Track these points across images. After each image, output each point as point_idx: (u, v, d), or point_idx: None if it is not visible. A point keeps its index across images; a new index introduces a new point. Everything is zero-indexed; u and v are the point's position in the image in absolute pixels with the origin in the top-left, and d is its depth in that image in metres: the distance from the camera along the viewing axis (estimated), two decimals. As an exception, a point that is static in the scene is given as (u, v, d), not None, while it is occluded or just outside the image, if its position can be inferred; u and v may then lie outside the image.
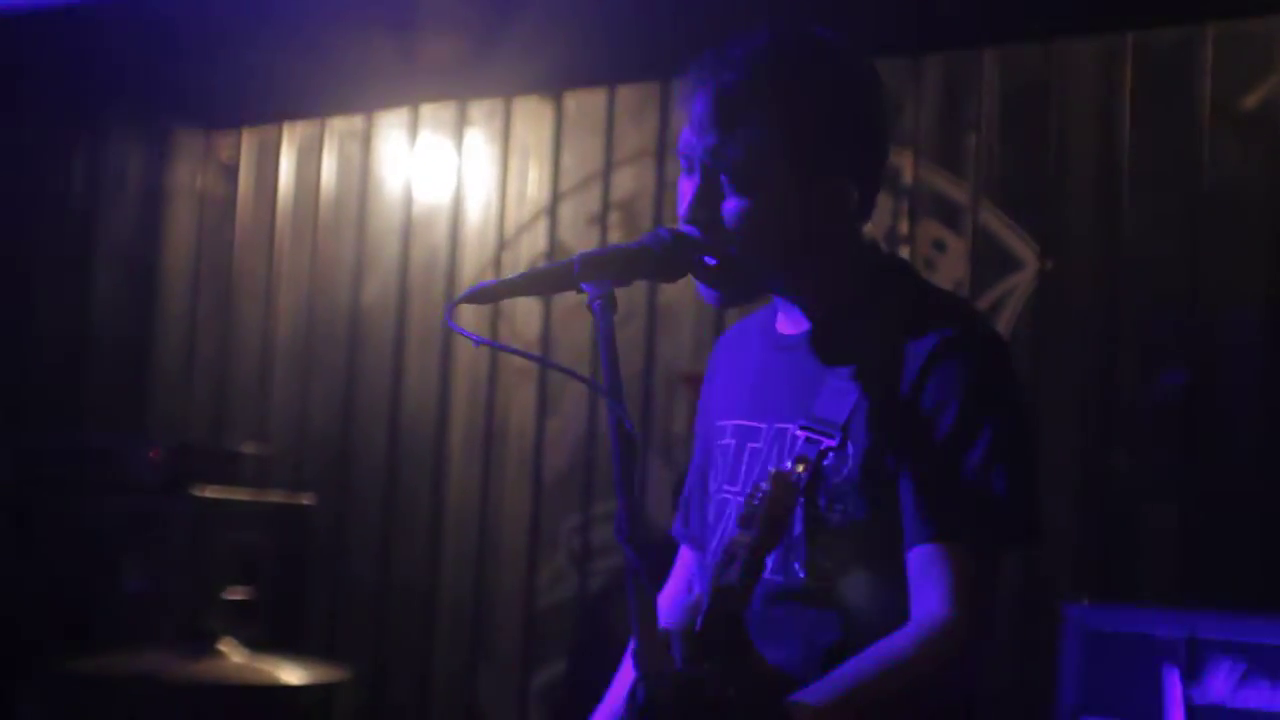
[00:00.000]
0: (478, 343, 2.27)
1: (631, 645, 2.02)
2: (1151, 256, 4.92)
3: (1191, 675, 3.55)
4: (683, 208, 2.42)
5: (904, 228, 5.33)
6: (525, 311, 6.13)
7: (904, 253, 5.25)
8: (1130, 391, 4.89)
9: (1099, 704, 3.84)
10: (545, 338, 6.06)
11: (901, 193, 5.35)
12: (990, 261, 5.20)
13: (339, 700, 5.88)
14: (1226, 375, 4.73)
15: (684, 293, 5.68)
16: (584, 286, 2.29)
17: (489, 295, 2.37)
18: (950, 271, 5.23)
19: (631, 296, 5.91)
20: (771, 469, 2.24)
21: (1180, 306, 4.83)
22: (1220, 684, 3.68)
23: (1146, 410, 4.85)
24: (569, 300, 5.62)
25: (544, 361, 2.15)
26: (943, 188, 5.33)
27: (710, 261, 2.39)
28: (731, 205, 2.38)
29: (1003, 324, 5.08)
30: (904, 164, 5.33)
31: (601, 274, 2.29)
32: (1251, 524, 4.64)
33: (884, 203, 5.32)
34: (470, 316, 6.07)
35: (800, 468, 2.22)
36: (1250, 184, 4.80)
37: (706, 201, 2.39)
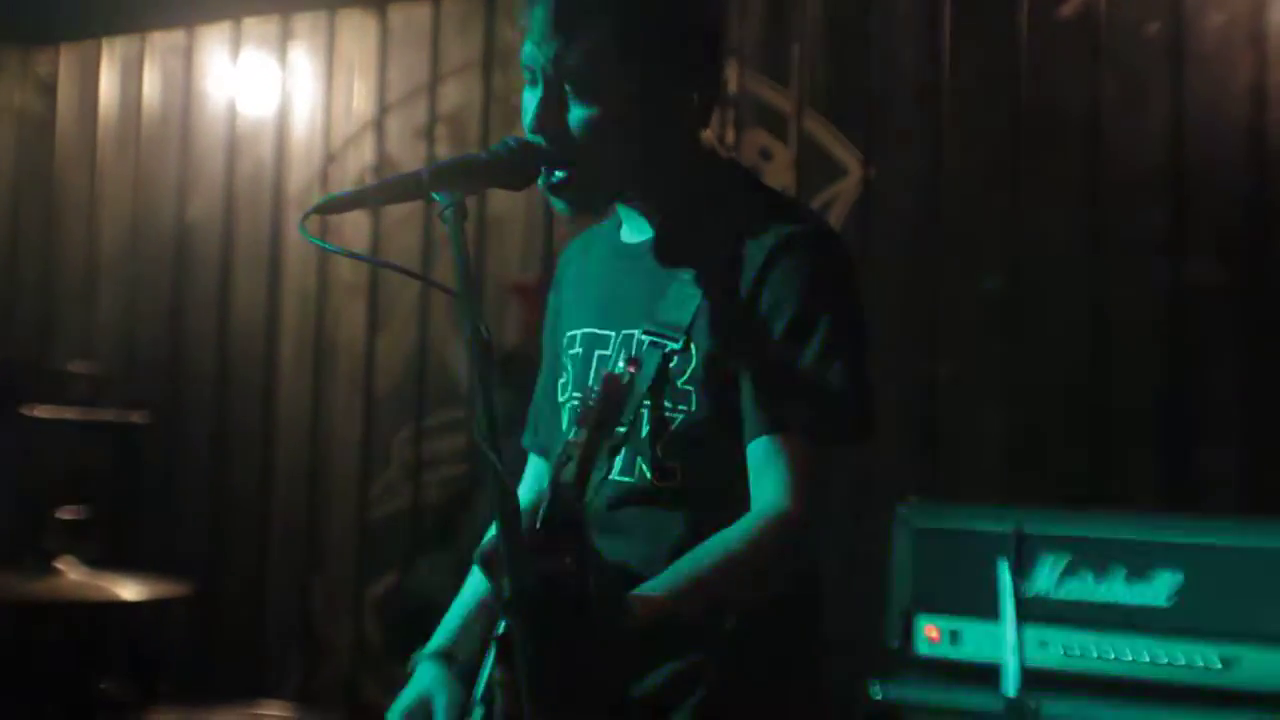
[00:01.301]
0: (333, 252, 2.30)
1: (485, 547, 2.07)
2: (972, 162, 5.02)
3: (1019, 570, 3.65)
4: (528, 119, 2.45)
5: (729, 136, 5.38)
6: (353, 222, 6.11)
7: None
8: (953, 296, 5.00)
9: (930, 600, 3.94)
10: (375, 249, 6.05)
11: (727, 102, 5.40)
12: (815, 169, 5.28)
13: (176, 616, 5.90)
14: (1045, 278, 4.85)
15: (512, 204, 5.76)
16: (434, 196, 2.31)
17: (339, 205, 2.40)
18: (776, 179, 5.30)
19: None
20: (606, 371, 2.30)
21: (1000, 212, 4.94)
22: (1046, 576, 3.81)
23: (969, 314, 4.96)
24: (397, 211, 5.65)
25: (403, 270, 2.17)
26: (767, 97, 5.40)
27: (557, 171, 2.43)
28: (575, 114, 2.41)
29: (828, 230, 5.15)
30: (729, 74, 5.38)
31: (452, 183, 2.31)
32: (1073, 422, 4.78)
33: (709, 112, 5.41)
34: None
35: (631, 369, 2.26)
36: (1066, 89, 4.91)
37: (550, 112, 2.42)
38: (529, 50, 2.43)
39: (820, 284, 2.41)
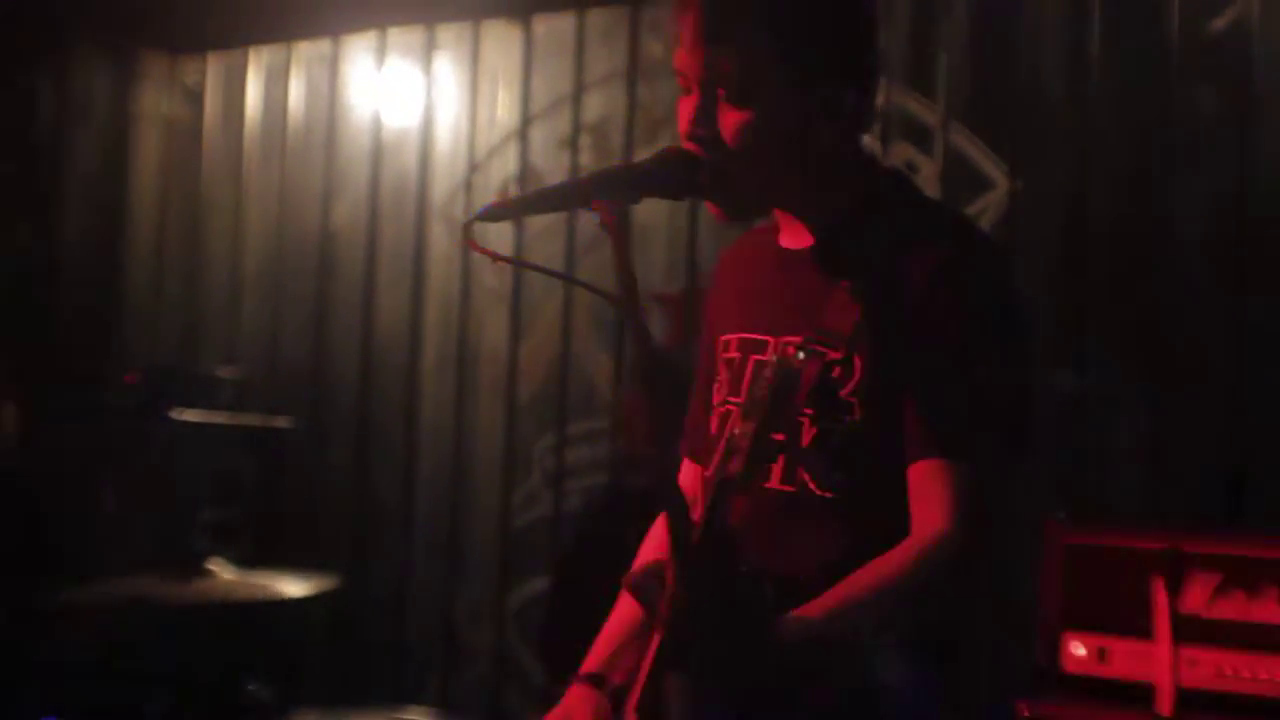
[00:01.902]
0: (496, 259, 2.31)
1: (634, 574, 2.07)
2: (1120, 175, 4.97)
3: (1173, 588, 3.61)
4: (683, 126, 2.44)
5: (875, 150, 5.34)
6: (498, 232, 6.12)
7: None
8: (1100, 309, 4.94)
9: (1079, 618, 3.90)
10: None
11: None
12: (961, 182, 5.24)
13: (318, 619, 5.94)
14: (1194, 290, 4.79)
15: (657, 214, 5.75)
16: (595, 203, 2.32)
17: (502, 213, 2.41)
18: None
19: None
20: (774, 357, 2.28)
21: (1147, 224, 4.88)
22: (1198, 595, 3.75)
23: (1116, 327, 4.91)
24: (539, 221, 5.67)
25: (566, 277, 2.16)
26: (913, 109, 5.37)
27: (713, 178, 2.42)
28: (730, 119, 2.40)
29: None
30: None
31: (612, 192, 2.32)
32: (1221, 438, 4.71)
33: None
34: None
35: (802, 355, 2.24)
36: (1215, 101, 4.85)
37: (705, 118, 2.41)
38: (681, 57, 2.43)
39: (987, 304, 2.39)
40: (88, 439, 5.67)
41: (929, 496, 2.33)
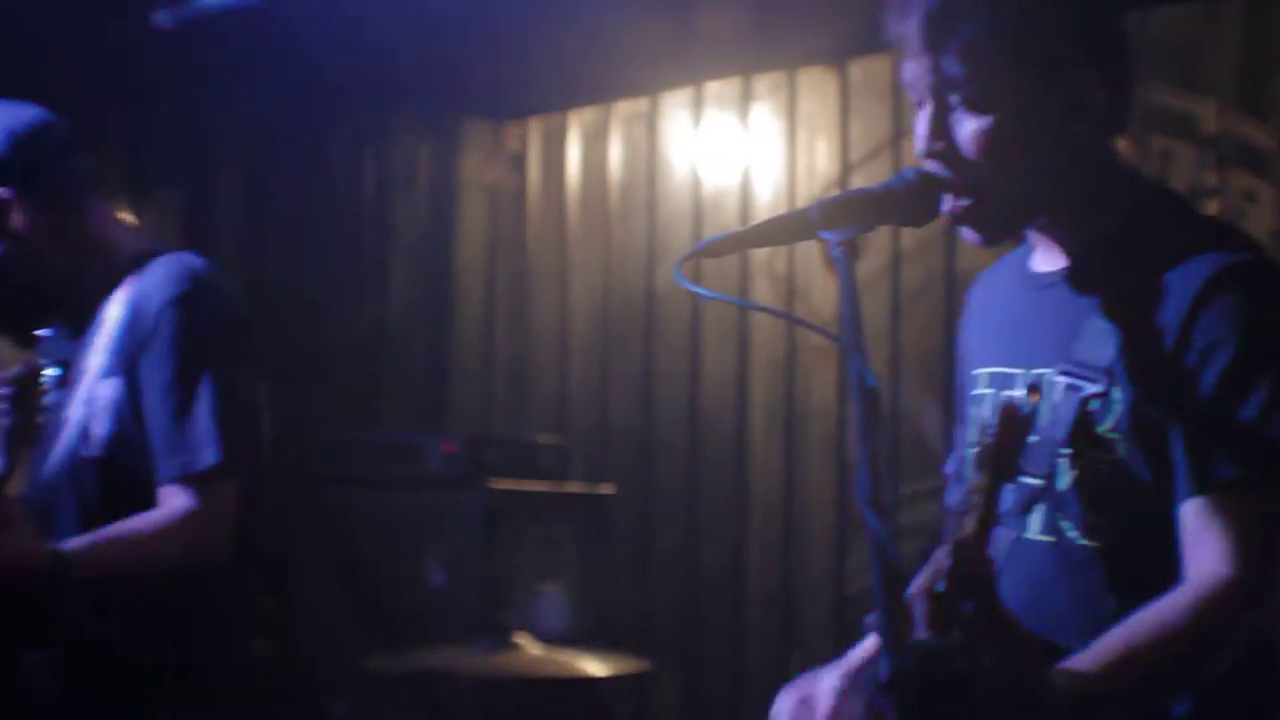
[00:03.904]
0: (708, 298, 2.14)
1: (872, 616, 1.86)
2: None
3: None
4: (919, 144, 2.24)
5: (1211, 179, 5.03)
6: (821, 288, 5.96)
7: (1212, 207, 4.96)
8: None
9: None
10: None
11: (1206, 143, 5.05)
12: (1305, 211, 4.90)
13: (647, 692, 5.80)
14: None
15: (985, 260, 5.50)
16: (823, 234, 2.12)
17: (723, 248, 2.26)
18: (1263, 222, 4.92)
19: (929, 265, 5.74)
20: (1001, 403, 2.05)
21: None
22: None
23: None
24: (867, 271, 5.47)
25: (786, 316, 2.02)
26: (1249, 135, 5.02)
27: (957, 197, 2.20)
28: (968, 128, 2.19)
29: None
30: (1207, 113, 5.04)
31: (842, 220, 2.13)
32: None
33: (1188, 154, 5.06)
34: (767, 294, 5.98)
35: (1034, 398, 2.02)
36: None
37: (941, 130, 2.21)
38: (909, 70, 2.22)
39: (1262, 325, 2.11)
40: (409, 509, 5.63)
41: (1206, 538, 2.08)
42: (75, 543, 2.86)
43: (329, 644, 5.45)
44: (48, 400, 2.92)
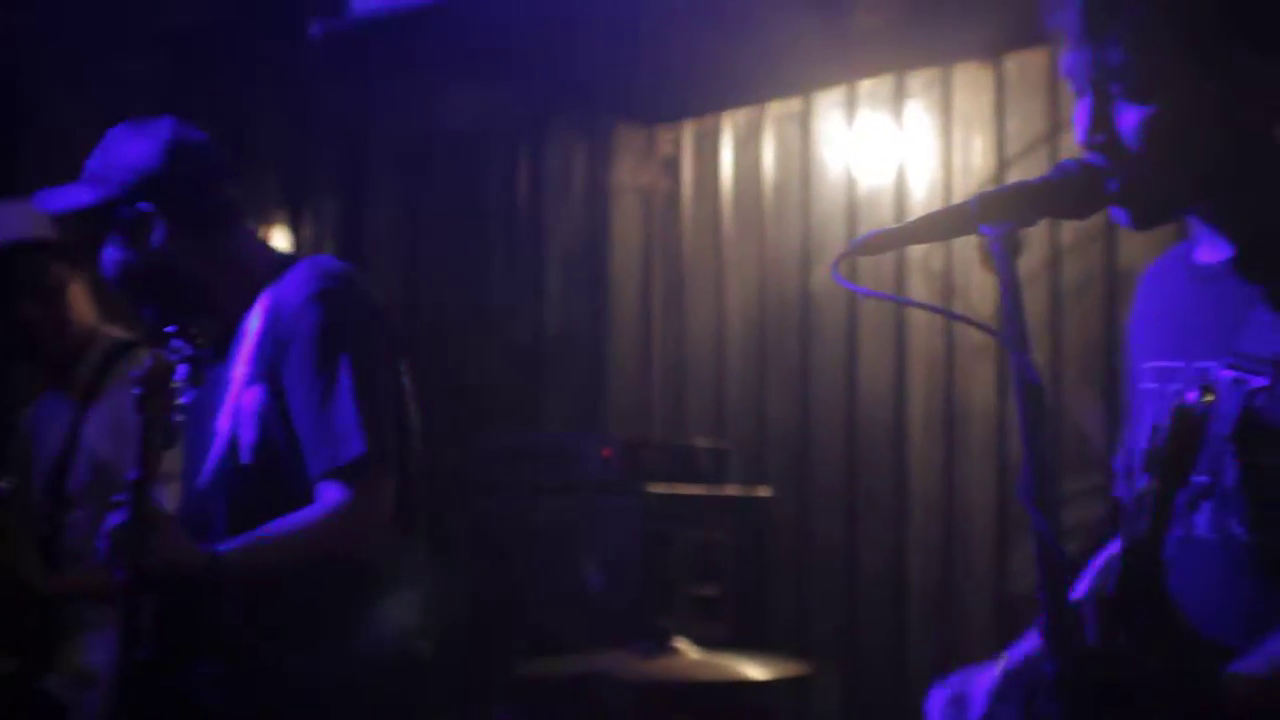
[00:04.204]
0: (866, 295, 2.10)
1: (1039, 619, 1.81)
2: None
3: None
4: (1079, 135, 2.18)
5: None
6: (979, 285, 5.90)
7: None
8: None
9: None
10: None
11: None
12: None
13: (807, 696, 5.76)
14: None
15: (1145, 254, 5.40)
16: (982, 229, 2.08)
17: (880, 244, 2.21)
18: None
19: (1089, 261, 5.66)
20: (1175, 404, 1.99)
21: None
22: None
23: None
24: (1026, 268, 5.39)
25: (946, 312, 1.99)
26: None
27: (1120, 187, 2.14)
28: (1130, 118, 2.13)
29: None
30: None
31: (1001, 213, 2.08)
32: None
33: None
34: (923, 292, 5.93)
35: (1208, 398, 1.96)
36: None
37: (1101, 120, 2.15)
38: (1067, 60, 2.16)
39: None
40: (567, 513, 5.62)
41: None
42: (228, 543, 2.88)
43: (488, 649, 5.47)
44: (182, 400, 2.93)
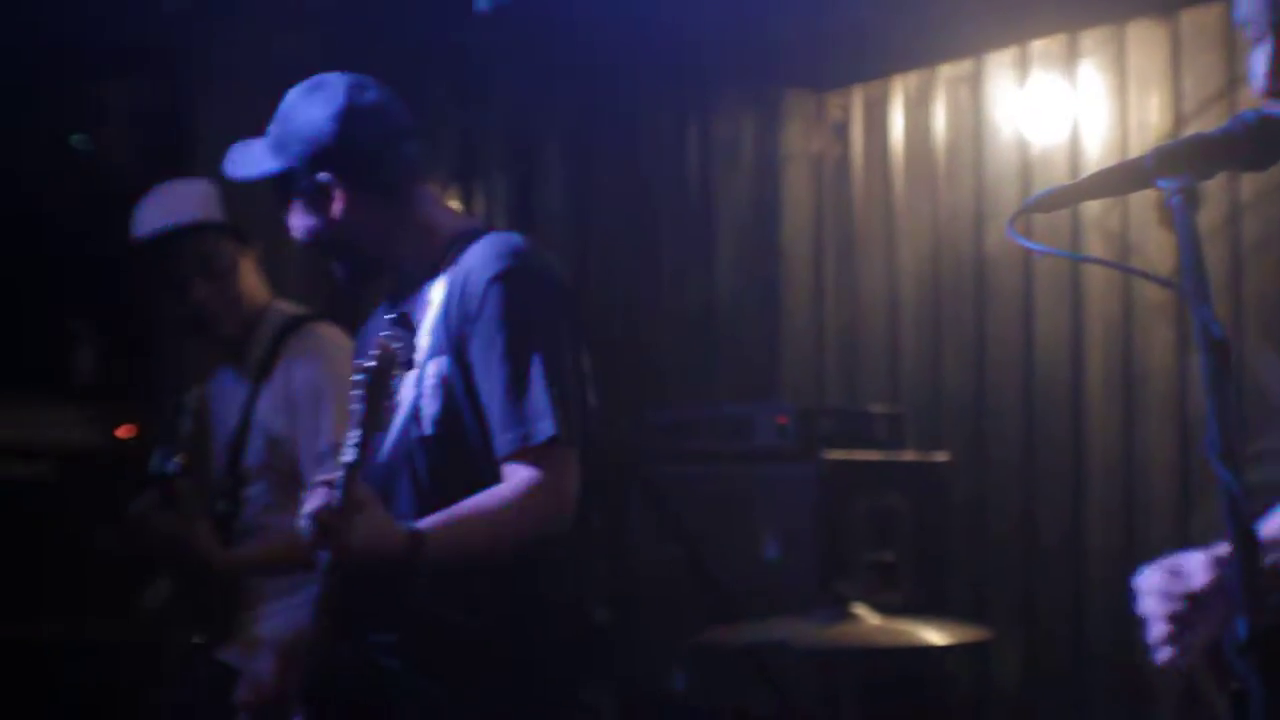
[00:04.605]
0: (1044, 253, 2.08)
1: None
2: None
3: None
4: (1258, 84, 2.14)
5: None
6: (1156, 243, 5.81)
7: None
8: None
9: None
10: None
11: None
12: None
13: (986, 662, 5.73)
14: None
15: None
16: (1159, 183, 2.05)
17: (1056, 201, 2.19)
18: None
19: (1270, 216, 5.56)
20: None
21: None
22: None
23: None
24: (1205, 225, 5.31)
25: (1124, 268, 1.95)
26: None
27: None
28: (1318, 62, 2.09)
29: None
30: None
31: (1179, 167, 2.05)
32: None
33: None
34: (1100, 251, 5.86)
35: None
36: None
37: None
38: (1244, 5, 2.12)
39: None
40: (743, 482, 5.63)
41: None
42: (429, 521, 2.88)
43: (665, 617, 5.49)
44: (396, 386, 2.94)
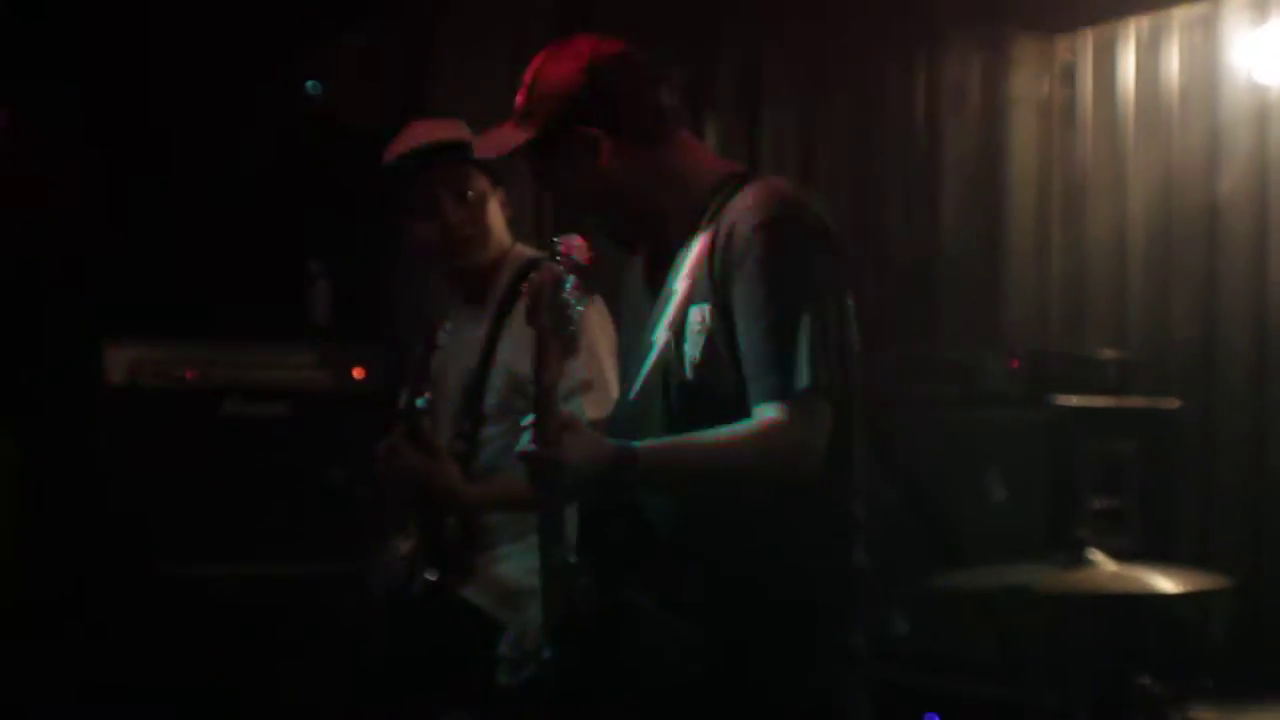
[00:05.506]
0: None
1: None
2: None
3: None
4: None
5: None
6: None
7: None
8: None
9: None
10: None
11: None
12: None
13: (1216, 611, 5.68)
14: None
15: None
16: None
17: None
18: None
19: None
20: None
21: None
22: None
23: None
24: None
25: None
26: None
27: None
28: None
29: None
30: None
31: None
32: None
33: None
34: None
35: None
36: None
37: None
38: None
39: None
40: (970, 427, 5.62)
41: None
42: (648, 441, 2.91)
43: (891, 562, 5.50)
44: (577, 309, 2.94)
